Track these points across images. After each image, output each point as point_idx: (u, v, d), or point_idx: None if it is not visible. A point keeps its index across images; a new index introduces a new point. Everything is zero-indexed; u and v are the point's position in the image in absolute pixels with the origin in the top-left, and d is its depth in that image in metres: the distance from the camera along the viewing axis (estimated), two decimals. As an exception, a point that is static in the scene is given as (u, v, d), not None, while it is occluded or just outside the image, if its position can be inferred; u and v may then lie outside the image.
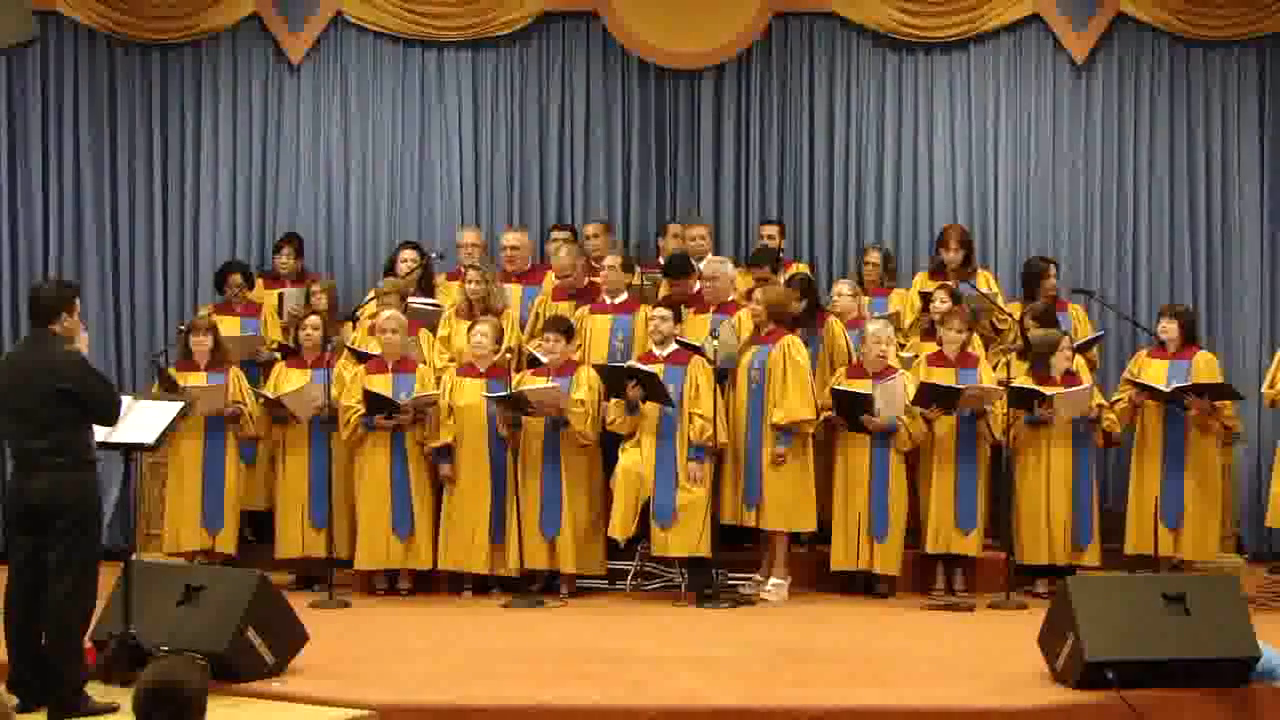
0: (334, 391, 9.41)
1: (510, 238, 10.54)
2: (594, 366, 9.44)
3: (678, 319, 9.57)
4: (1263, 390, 9.52)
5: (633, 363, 9.38)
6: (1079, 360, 9.65)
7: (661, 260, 10.50)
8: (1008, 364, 9.31)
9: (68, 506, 6.44)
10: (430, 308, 10.16)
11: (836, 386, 9.30)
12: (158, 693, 4.42)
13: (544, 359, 9.42)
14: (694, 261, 10.13)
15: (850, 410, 9.25)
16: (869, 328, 9.47)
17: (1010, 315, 10.20)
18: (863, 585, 9.44)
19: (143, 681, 4.49)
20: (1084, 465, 9.42)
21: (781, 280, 9.89)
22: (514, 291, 10.27)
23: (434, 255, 10.57)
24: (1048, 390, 9.26)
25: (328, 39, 11.42)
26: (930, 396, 9.21)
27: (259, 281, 10.82)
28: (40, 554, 6.46)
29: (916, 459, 9.50)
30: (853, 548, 9.34)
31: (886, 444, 9.28)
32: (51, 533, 6.43)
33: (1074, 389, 9.25)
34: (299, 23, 11.34)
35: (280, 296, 10.56)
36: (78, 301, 6.70)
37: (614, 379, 9.28)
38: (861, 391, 9.22)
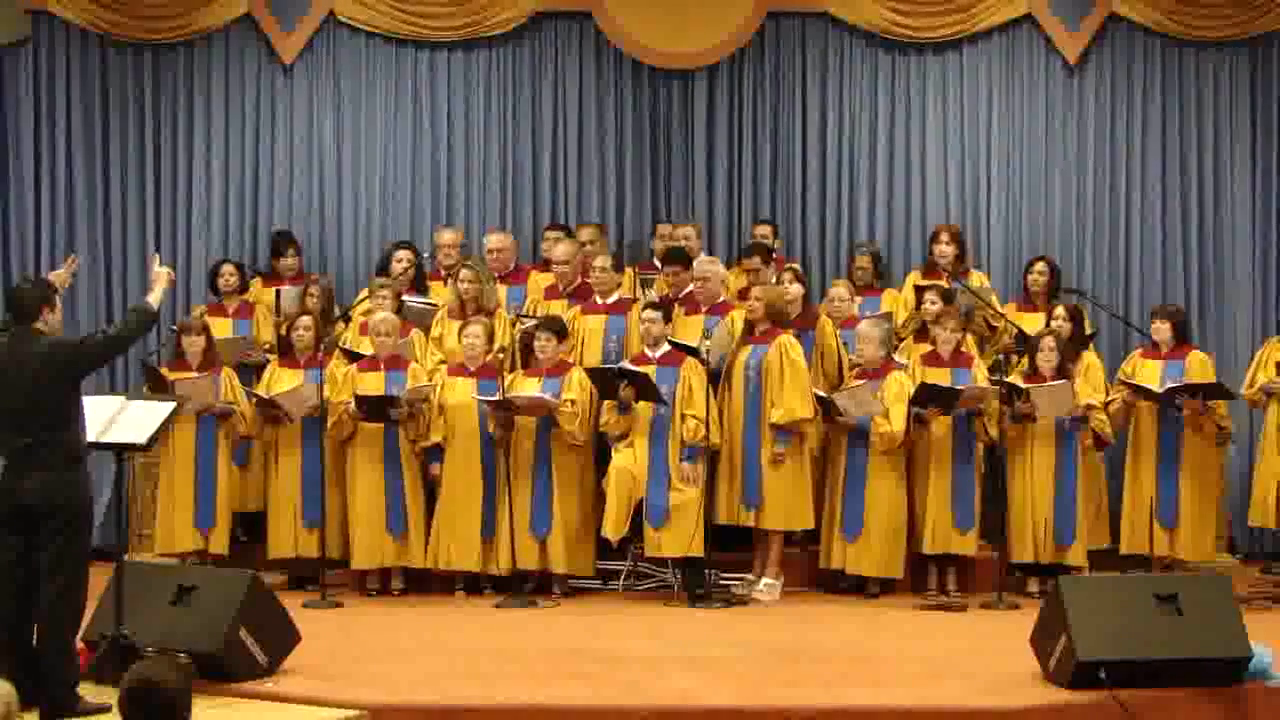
0: (327, 391, 9.40)
1: (493, 239, 10.54)
2: (585, 370, 9.43)
3: (668, 319, 9.55)
4: (1241, 391, 9.57)
5: (623, 364, 9.38)
6: (1089, 357, 9.64)
7: (656, 263, 10.50)
8: (1002, 362, 9.32)
9: (60, 506, 6.43)
10: (427, 307, 10.16)
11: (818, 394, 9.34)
12: (136, 694, 4.42)
13: (540, 355, 9.43)
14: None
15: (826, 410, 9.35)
16: (857, 328, 9.52)
17: (1004, 314, 10.21)
18: (854, 585, 9.44)
19: (123, 683, 4.49)
20: (1068, 464, 9.41)
21: (772, 276, 9.89)
22: (500, 292, 10.25)
23: (426, 255, 10.58)
24: (1034, 386, 9.26)
25: (320, 39, 11.40)
26: (928, 396, 9.22)
27: (256, 280, 10.81)
28: (31, 554, 6.44)
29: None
30: (828, 547, 9.40)
31: (864, 445, 9.30)
32: (43, 532, 6.42)
33: (1051, 384, 9.24)
34: (291, 23, 11.33)
35: (277, 294, 10.54)
36: (57, 298, 6.70)
37: (605, 381, 9.28)
38: (824, 395, 9.28)
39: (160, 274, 7.03)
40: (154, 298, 6.87)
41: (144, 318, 6.75)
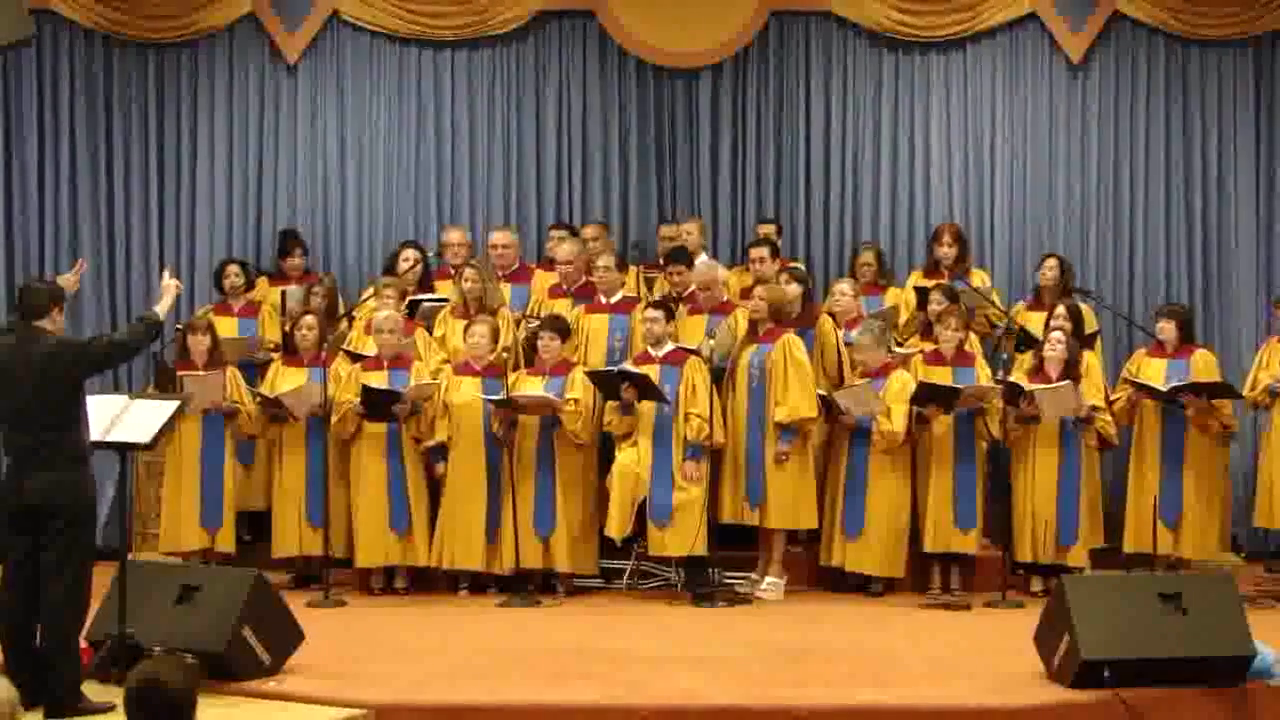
0: (331, 390, 9.41)
1: (497, 237, 10.55)
2: (586, 373, 9.43)
3: (670, 318, 9.54)
4: (1243, 392, 9.56)
5: (624, 365, 9.38)
6: (1090, 358, 9.62)
7: (661, 261, 10.50)
8: (1005, 361, 9.32)
9: (64, 506, 6.45)
10: (440, 303, 10.15)
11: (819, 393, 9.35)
12: (141, 693, 4.43)
13: (543, 354, 9.43)
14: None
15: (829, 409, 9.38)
16: (851, 332, 9.53)
17: (1004, 311, 10.21)
18: (857, 584, 9.44)
19: (128, 682, 4.50)
20: (1072, 464, 9.39)
21: (775, 271, 9.88)
22: (504, 291, 10.25)
23: (432, 254, 10.58)
24: (1037, 387, 9.25)
25: (324, 38, 11.41)
26: (928, 395, 9.21)
27: (262, 280, 10.82)
28: (37, 553, 6.46)
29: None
30: (828, 545, 9.41)
31: (865, 444, 9.30)
32: (48, 532, 6.44)
33: (1055, 385, 9.23)
34: (295, 22, 11.33)
35: (283, 294, 10.56)
36: (64, 299, 6.74)
37: (606, 383, 9.28)
38: (825, 393, 9.29)
39: (169, 285, 7.14)
40: (161, 308, 6.98)
41: (151, 326, 6.80)
